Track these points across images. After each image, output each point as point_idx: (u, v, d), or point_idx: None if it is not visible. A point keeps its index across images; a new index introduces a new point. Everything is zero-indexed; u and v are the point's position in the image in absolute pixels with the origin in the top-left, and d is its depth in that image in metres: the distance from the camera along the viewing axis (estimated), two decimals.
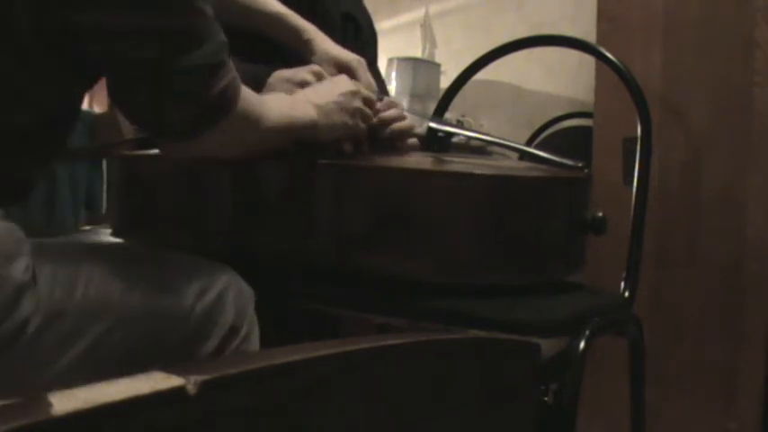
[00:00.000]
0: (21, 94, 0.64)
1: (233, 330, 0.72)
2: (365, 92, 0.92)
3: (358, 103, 0.88)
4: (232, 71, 0.69)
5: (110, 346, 0.65)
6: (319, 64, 0.95)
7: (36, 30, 0.61)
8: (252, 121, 0.73)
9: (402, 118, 0.99)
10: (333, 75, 0.94)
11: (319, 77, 0.91)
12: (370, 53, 1.20)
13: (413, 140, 1.03)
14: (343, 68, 0.96)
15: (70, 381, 0.64)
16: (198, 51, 0.64)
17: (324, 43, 0.98)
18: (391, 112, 0.98)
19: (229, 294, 0.73)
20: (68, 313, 0.62)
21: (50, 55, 0.64)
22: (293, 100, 0.84)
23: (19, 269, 0.59)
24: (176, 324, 0.69)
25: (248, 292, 0.76)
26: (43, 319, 0.61)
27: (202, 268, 0.74)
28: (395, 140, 0.99)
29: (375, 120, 0.96)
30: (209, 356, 0.70)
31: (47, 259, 0.63)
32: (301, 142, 0.84)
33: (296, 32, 0.97)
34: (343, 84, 0.89)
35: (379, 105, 0.97)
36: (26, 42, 0.62)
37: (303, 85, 0.90)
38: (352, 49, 1.02)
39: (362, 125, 0.90)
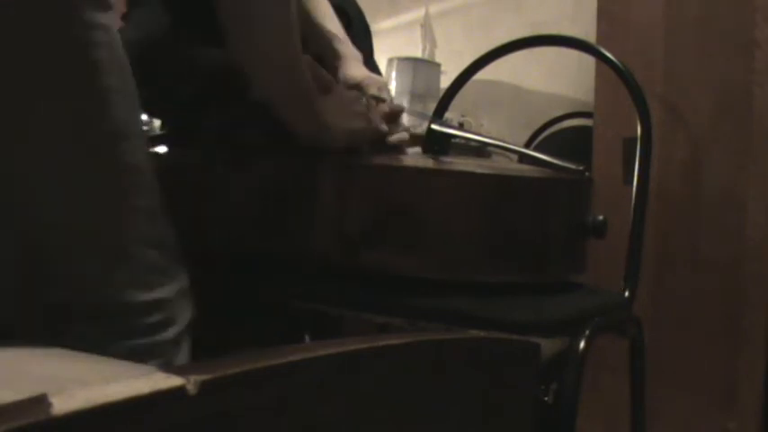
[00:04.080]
0: None
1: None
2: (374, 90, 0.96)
3: (361, 107, 0.90)
4: None
5: None
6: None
7: None
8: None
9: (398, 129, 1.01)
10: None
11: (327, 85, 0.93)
12: (363, 47, 1.20)
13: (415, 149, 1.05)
14: (356, 87, 0.99)
15: None
16: None
17: (348, 70, 1.00)
18: (395, 139, 1.00)
19: None
20: None
21: None
22: None
23: None
24: None
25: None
26: None
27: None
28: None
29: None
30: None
31: None
32: (311, 146, 0.85)
33: (331, 54, 1.00)
34: (343, 92, 0.92)
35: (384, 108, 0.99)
36: None
37: None
38: None
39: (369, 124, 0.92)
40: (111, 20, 0.66)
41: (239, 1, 0.74)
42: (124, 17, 1.09)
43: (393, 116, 1.00)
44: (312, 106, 0.83)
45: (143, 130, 0.73)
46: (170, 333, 0.68)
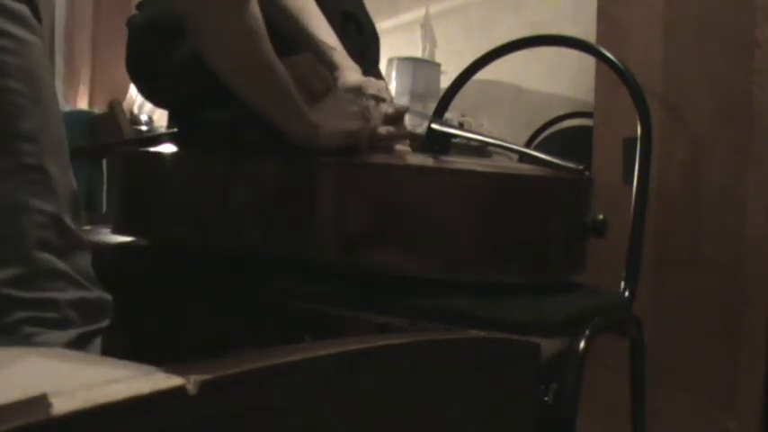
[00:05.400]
0: None
1: None
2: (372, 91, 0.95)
3: (357, 108, 0.90)
4: None
5: None
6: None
7: None
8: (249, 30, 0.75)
9: (398, 136, 1.00)
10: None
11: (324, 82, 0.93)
12: (372, 54, 1.20)
13: (406, 149, 1.04)
14: (355, 90, 0.99)
15: None
16: None
17: (347, 78, 1.00)
18: (383, 131, 1.00)
19: None
20: None
21: None
22: None
23: None
24: None
25: None
26: None
27: None
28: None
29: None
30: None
31: None
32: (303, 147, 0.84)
33: (329, 65, 0.99)
34: (340, 93, 0.91)
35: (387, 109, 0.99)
36: None
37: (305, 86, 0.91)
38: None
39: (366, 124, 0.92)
40: (27, 35, 0.69)
41: (192, 3, 0.75)
42: (139, 6, 1.10)
43: (397, 116, 0.99)
44: (296, 107, 0.83)
45: (62, 142, 0.74)
46: (68, 334, 0.71)
